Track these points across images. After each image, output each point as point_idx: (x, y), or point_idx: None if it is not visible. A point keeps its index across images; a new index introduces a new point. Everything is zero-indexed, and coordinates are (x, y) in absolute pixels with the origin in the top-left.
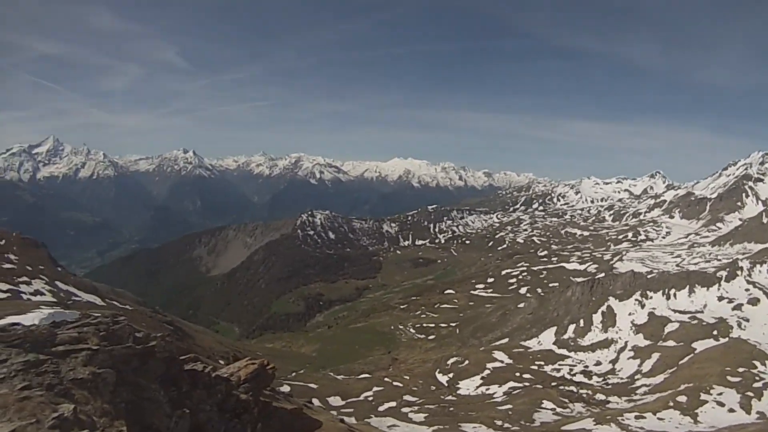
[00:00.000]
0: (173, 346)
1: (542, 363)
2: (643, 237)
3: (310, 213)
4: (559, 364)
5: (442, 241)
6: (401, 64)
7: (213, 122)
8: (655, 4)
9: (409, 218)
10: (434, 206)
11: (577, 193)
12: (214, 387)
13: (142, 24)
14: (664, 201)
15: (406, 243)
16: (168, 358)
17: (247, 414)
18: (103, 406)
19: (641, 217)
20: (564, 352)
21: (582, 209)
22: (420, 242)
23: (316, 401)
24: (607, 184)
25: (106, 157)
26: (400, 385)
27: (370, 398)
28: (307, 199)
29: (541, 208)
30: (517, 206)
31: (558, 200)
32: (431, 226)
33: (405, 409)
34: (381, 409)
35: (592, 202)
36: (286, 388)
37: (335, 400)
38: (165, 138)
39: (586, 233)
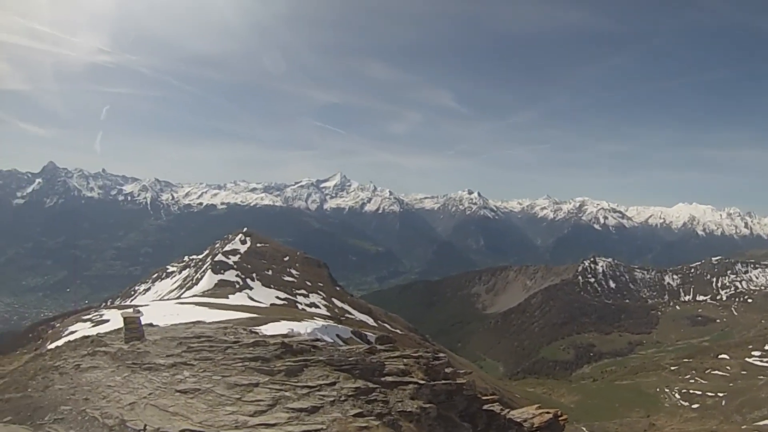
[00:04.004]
0: (476, 386)
1: None
2: None
3: (592, 260)
4: None
5: (724, 298)
6: (673, 97)
7: (495, 164)
8: None
9: (692, 270)
10: (718, 258)
11: None
12: (507, 429)
13: (415, 74)
14: None
15: (687, 297)
16: (471, 396)
17: None
18: None
19: None
20: None
21: None
22: (701, 298)
23: None
24: None
25: (391, 194)
26: None
27: None
28: (590, 244)
29: None
30: None
31: None
32: (714, 280)
33: None
34: None
35: None
36: None
37: None
38: (448, 179)
39: None
